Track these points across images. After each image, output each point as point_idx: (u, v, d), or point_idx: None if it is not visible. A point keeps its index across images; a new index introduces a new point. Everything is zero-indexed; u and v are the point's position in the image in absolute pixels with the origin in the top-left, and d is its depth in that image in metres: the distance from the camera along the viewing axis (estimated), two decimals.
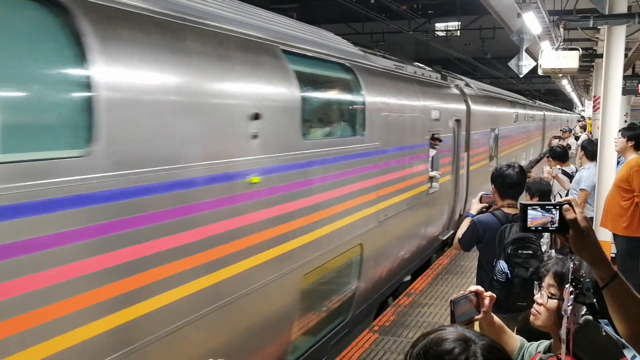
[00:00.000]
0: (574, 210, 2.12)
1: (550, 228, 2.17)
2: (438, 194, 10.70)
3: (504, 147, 18.73)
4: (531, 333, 2.99)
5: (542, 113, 33.24)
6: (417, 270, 10.60)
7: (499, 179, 5.13)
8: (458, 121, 12.25)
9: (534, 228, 2.20)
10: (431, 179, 10.33)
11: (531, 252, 4.67)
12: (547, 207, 2.17)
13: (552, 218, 2.16)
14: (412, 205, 9.28)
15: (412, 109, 9.18)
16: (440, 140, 10.45)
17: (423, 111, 9.63)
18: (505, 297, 4.56)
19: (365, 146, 7.13)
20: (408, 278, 10.02)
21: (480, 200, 5.40)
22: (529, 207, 2.21)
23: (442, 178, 10.93)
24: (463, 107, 12.82)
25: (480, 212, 5.35)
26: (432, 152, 10.25)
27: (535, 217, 2.19)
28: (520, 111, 22.82)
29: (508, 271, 4.63)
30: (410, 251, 9.67)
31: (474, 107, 13.77)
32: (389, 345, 7.05)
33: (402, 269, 9.54)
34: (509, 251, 4.68)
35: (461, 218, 11.36)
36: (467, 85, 15.18)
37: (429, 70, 12.52)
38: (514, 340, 2.92)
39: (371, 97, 7.47)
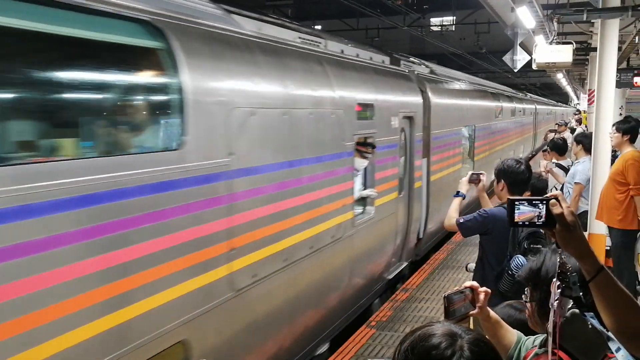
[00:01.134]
0: (560, 205, 2.14)
1: (537, 223, 2.19)
2: (375, 220, 8.21)
3: (483, 147, 16.51)
4: (516, 327, 3.00)
5: (533, 107, 30.62)
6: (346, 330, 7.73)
7: (511, 175, 5.09)
8: (409, 119, 9.77)
9: (521, 223, 2.22)
10: (363, 201, 8.09)
11: (540, 246, 4.68)
12: (534, 202, 2.19)
13: (539, 213, 2.17)
14: (324, 245, 6.56)
15: (316, 102, 6.38)
16: (373, 147, 7.95)
17: (341, 106, 6.88)
18: (517, 290, 4.56)
19: (185, 168, 4.25)
20: (324, 349, 7.10)
21: (470, 180, 5.42)
22: (516, 202, 2.23)
23: (383, 197, 8.54)
24: (418, 100, 10.25)
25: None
26: (362, 163, 7.83)
27: (522, 212, 2.20)
28: (506, 105, 20.70)
29: None
30: (319, 316, 6.76)
31: (437, 100, 11.32)
32: (385, 340, 7.08)
33: (304, 346, 6.57)
34: (524, 246, 4.69)
35: (421, 242, 10.90)
36: (432, 72, 12.78)
37: (373, 51, 9.68)
38: (511, 334, 2.92)
39: (205, 82, 4.58)
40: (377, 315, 7.90)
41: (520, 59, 15.14)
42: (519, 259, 4.65)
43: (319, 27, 13.58)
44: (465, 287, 2.81)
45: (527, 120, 27.83)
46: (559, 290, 2.31)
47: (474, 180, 5.39)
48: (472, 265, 5.36)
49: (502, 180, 5.10)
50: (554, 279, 2.35)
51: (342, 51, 7.99)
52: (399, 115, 9.10)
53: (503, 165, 5.15)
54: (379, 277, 8.85)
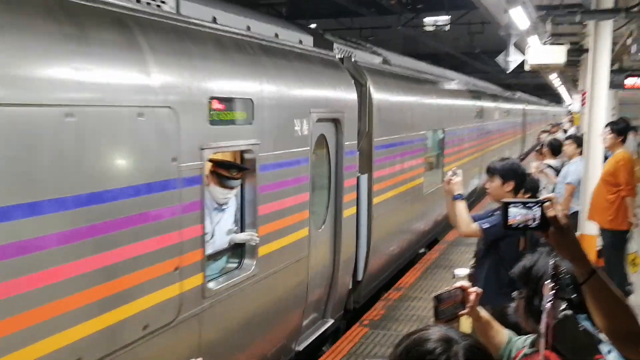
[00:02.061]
0: (554, 208, 2.16)
1: (531, 226, 2.17)
2: (259, 278, 5.56)
3: (457, 154, 13.94)
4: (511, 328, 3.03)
5: (521, 107, 28.50)
6: None
7: (521, 176, 5.11)
8: (335, 122, 7.22)
9: (515, 226, 2.20)
10: (233, 250, 5.59)
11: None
12: (528, 204, 2.18)
13: (533, 215, 2.16)
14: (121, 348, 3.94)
15: (95, 93, 3.76)
16: (240, 170, 5.47)
17: (166, 100, 4.30)
18: None
19: None
20: None
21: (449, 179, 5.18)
22: (510, 205, 2.22)
23: (276, 240, 5.92)
24: (351, 96, 7.65)
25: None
26: (227, 194, 5.44)
27: (516, 214, 2.19)
28: (488, 104, 18.23)
29: None
30: None
31: (383, 96, 8.75)
32: (378, 339, 7.11)
33: None
34: (540, 243, 4.72)
35: (361, 285, 8.46)
36: (385, 62, 10.53)
37: (285, 26, 7.31)
38: (502, 335, 2.94)
39: None
40: (370, 314, 7.93)
41: (513, 60, 15.17)
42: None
43: (313, 25, 13.54)
44: (456, 288, 2.81)
45: (514, 122, 25.85)
46: (552, 292, 2.33)
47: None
48: (461, 272, 5.28)
49: (513, 181, 5.04)
50: (547, 281, 2.37)
51: (215, 19, 5.59)
52: (311, 117, 6.47)
53: (512, 166, 5.12)
54: (274, 356, 6.20)
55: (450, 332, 1.85)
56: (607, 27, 9.04)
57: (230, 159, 5.78)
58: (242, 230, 5.61)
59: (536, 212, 2.15)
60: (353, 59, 8.37)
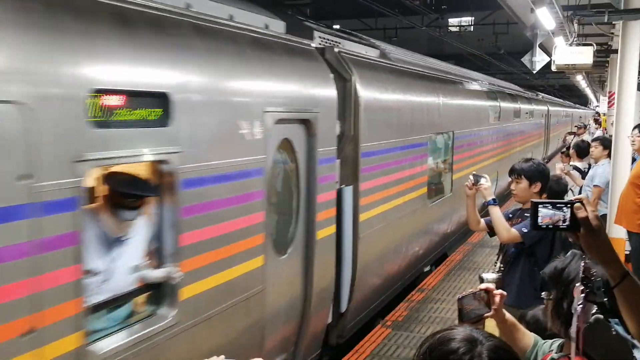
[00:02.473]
0: (585, 209, 2.11)
1: (561, 226, 2.14)
2: (179, 329, 4.08)
3: (469, 159, 12.34)
4: (539, 333, 2.99)
5: (544, 108, 25.50)
6: None
7: (548, 177, 5.12)
8: (305, 124, 5.87)
9: (544, 226, 2.17)
10: (157, 291, 4.14)
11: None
12: (558, 205, 2.14)
13: (563, 216, 2.13)
14: None
15: None
16: (138, 197, 4.16)
17: (16, 97, 2.97)
18: None
19: None
20: None
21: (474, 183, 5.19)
22: (540, 205, 2.18)
23: (221, 273, 4.58)
24: (327, 93, 6.31)
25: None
26: (124, 226, 4.18)
27: (546, 215, 2.16)
28: (506, 105, 16.41)
29: None
30: None
31: (375, 94, 7.40)
32: (401, 341, 7.07)
33: None
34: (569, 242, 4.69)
35: (346, 317, 7.02)
36: (383, 55, 9.17)
37: (248, 9, 5.90)
38: (528, 337, 2.90)
39: None
40: (392, 315, 7.89)
41: (539, 60, 15.08)
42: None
43: (337, 26, 13.50)
44: (480, 290, 2.79)
45: (537, 124, 23.18)
46: (583, 295, 2.29)
47: (477, 182, 5.19)
48: (489, 276, 5.24)
49: (539, 183, 5.03)
50: (578, 284, 2.32)
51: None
52: (266, 118, 5.02)
53: (537, 166, 5.10)
54: None
55: (475, 332, 1.83)
56: (636, 27, 8.90)
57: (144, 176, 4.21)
58: (161, 265, 4.13)
59: (566, 213, 2.12)
60: (337, 50, 6.79)
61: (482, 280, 5.34)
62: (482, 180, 5.12)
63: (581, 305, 2.28)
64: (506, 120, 16.28)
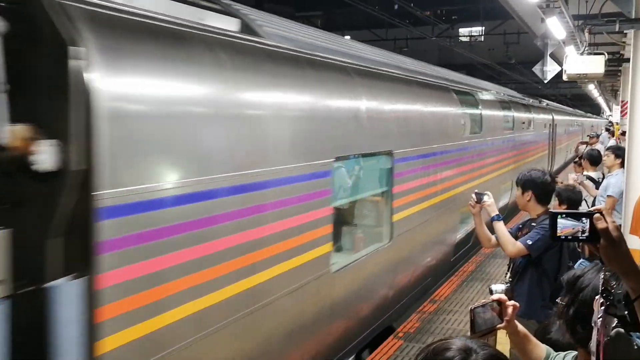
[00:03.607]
0: (605, 220, 2.07)
1: (580, 237, 2.10)
2: None
3: (424, 189, 8.46)
4: (551, 345, 2.96)
5: (548, 117, 22.21)
6: None
7: (540, 186, 5.06)
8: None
9: (563, 237, 2.14)
10: None
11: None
12: (577, 215, 2.11)
13: (582, 227, 2.09)
14: None
15: None
16: None
17: None
18: None
19: None
20: None
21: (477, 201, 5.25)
22: (558, 216, 2.16)
23: None
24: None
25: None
26: None
27: (565, 225, 2.12)
28: (495, 114, 13.32)
29: None
30: None
31: (140, 89, 3.61)
32: (413, 352, 7.02)
33: None
34: (579, 250, 4.70)
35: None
36: (249, 29, 5.34)
37: None
38: (540, 349, 2.87)
39: None
40: (404, 327, 7.85)
41: (550, 69, 15.04)
42: (584, 264, 4.61)
43: (347, 37, 13.52)
44: (493, 300, 2.77)
45: (538, 135, 19.58)
46: (603, 308, 2.24)
47: (480, 200, 5.24)
48: (498, 287, 5.25)
49: (530, 191, 5.06)
50: (597, 296, 2.28)
51: None
52: None
53: (530, 175, 5.11)
54: None
55: (470, 342, 1.84)
56: None
57: None
58: None
59: (585, 223, 2.08)
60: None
61: (491, 292, 5.33)
62: (485, 198, 5.17)
63: (601, 319, 2.23)
64: (492, 133, 12.83)
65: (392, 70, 8.15)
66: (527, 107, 18.38)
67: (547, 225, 4.85)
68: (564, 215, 2.14)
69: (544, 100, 24.91)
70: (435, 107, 9.31)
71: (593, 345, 2.25)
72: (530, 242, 4.89)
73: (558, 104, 31.90)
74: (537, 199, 5.05)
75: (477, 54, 23.78)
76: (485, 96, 13.17)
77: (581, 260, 4.69)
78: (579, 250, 4.99)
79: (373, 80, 7.19)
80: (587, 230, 2.08)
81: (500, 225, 5.07)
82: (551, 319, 3.21)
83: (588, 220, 2.08)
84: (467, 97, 11.46)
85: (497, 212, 5.14)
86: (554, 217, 2.16)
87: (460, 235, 10.91)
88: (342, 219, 7.08)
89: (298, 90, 5.43)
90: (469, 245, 11.71)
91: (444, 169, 9.27)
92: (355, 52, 7.89)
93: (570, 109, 38.94)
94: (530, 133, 18.05)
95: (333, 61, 6.39)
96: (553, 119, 23.28)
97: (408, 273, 8.34)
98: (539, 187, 5.06)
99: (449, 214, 9.81)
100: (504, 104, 14.86)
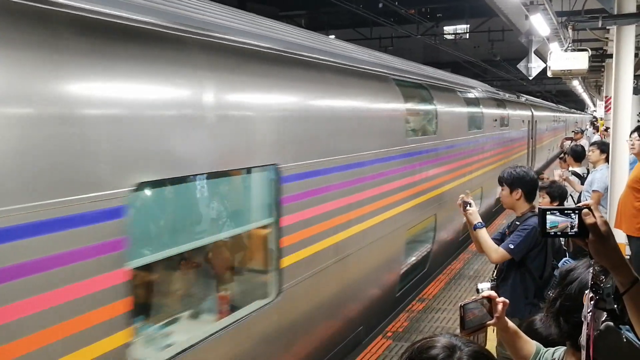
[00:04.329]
0: (593, 215, 2.08)
1: (569, 233, 2.12)
2: None
3: (353, 210, 6.53)
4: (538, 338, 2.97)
5: (527, 113, 20.45)
6: None
7: (528, 183, 5.06)
8: None
9: (552, 233, 2.15)
10: None
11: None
12: (565, 211, 2.12)
13: (571, 223, 2.11)
14: None
15: None
16: None
17: None
18: None
19: None
20: None
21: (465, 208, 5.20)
22: (547, 212, 2.17)
23: None
24: None
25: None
26: None
27: (554, 222, 2.14)
28: (455, 110, 11.28)
29: None
30: None
31: None
32: (402, 351, 7.01)
33: None
34: (564, 248, 4.70)
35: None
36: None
37: None
38: (530, 345, 2.88)
39: None
40: (393, 326, 7.84)
41: (535, 66, 15.09)
42: (569, 262, 4.62)
43: (332, 36, 13.47)
44: (483, 297, 2.77)
45: (514, 134, 17.74)
46: (592, 303, 2.25)
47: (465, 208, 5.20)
48: (484, 285, 5.26)
49: (519, 189, 5.04)
50: (587, 291, 2.28)
51: None
52: None
53: (518, 173, 5.10)
54: None
55: (455, 339, 1.85)
56: (630, 32, 8.91)
57: None
58: None
59: (574, 219, 2.09)
60: None
61: (478, 291, 5.35)
62: (468, 206, 5.13)
63: (591, 313, 2.24)
64: (451, 133, 10.69)
65: (285, 49, 5.55)
66: (501, 103, 16.22)
67: (528, 226, 4.90)
68: (553, 212, 2.15)
69: (523, 95, 22.89)
70: (363, 102, 7.03)
71: (583, 339, 2.25)
72: (512, 247, 4.92)
73: (538, 99, 30.25)
74: (526, 196, 5.05)
75: (462, 51, 23.84)
76: (442, 90, 10.77)
77: (565, 258, 4.70)
78: (564, 247, 5.00)
79: (228, 56, 4.58)
80: (576, 226, 2.09)
81: (482, 233, 5.06)
82: (534, 315, 3.22)
83: (577, 215, 2.09)
84: (414, 91, 9.44)
85: (480, 220, 5.12)
86: (543, 213, 2.17)
87: (409, 261, 9.03)
88: (172, 276, 4.78)
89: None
90: (425, 270, 9.82)
91: (378, 183, 7.18)
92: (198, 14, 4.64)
93: (553, 104, 37.48)
94: (504, 131, 16.03)
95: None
96: (533, 115, 21.51)
97: (309, 339, 5.91)
98: (528, 185, 5.05)
99: (389, 240, 7.81)
100: (470, 100, 12.73)
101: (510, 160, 16.53)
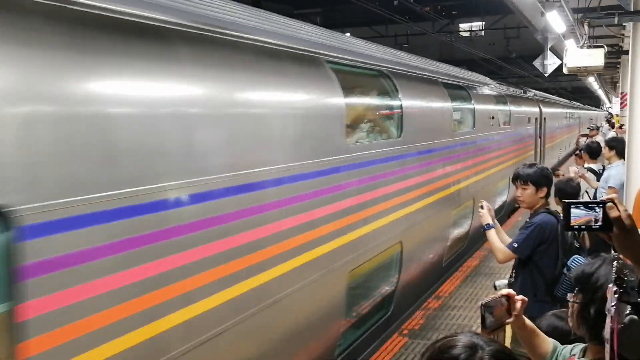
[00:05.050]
0: (617, 208, 2.08)
1: (593, 227, 2.13)
2: None
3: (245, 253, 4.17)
4: (559, 338, 2.98)
5: (534, 110, 17.93)
6: None
7: (552, 181, 5.11)
8: None
9: (577, 227, 2.17)
10: None
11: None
12: (590, 205, 2.14)
13: (595, 217, 2.13)
14: None
15: None
16: None
17: None
18: None
19: None
20: None
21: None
22: (572, 206, 2.19)
23: None
24: None
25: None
26: None
27: (578, 215, 2.15)
28: (432, 107, 8.81)
29: None
30: None
31: None
32: (418, 349, 7.04)
33: None
34: (576, 245, 4.72)
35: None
36: None
37: None
38: (547, 343, 2.88)
39: None
40: (409, 324, 7.87)
41: (550, 63, 15.03)
42: (579, 259, 4.62)
43: (347, 34, 13.40)
44: (502, 295, 2.76)
45: (519, 134, 15.24)
46: (616, 296, 2.24)
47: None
48: (502, 282, 5.29)
49: (545, 187, 5.03)
50: (610, 285, 2.29)
51: None
52: None
53: (542, 171, 5.09)
54: None
55: (476, 338, 1.84)
56: None
57: None
58: None
59: (598, 213, 2.11)
60: None
61: (495, 288, 5.41)
62: (480, 208, 5.21)
63: (614, 307, 2.24)
64: (427, 136, 8.29)
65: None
66: (500, 99, 13.61)
67: (532, 224, 4.93)
68: (577, 205, 2.17)
69: (531, 90, 20.46)
70: (255, 92, 4.59)
71: (607, 332, 2.25)
72: (515, 245, 4.95)
73: (549, 95, 27.49)
74: (547, 194, 5.07)
75: (477, 48, 23.76)
76: (411, 80, 8.25)
77: (575, 256, 4.70)
78: (577, 245, 5.00)
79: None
80: (601, 220, 2.11)
81: (491, 234, 5.11)
82: (544, 312, 3.23)
83: (601, 209, 2.11)
84: (361, 80, 7.31)
85: (489, 222, 5.14)
86: (567, 207, 2.19)
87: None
88: None
89: None
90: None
91: (297, 210, 4.96)
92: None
93: (566, 100, 35.46)
94: (505, 131, 13.39)
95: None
96: (541, 112, 18.88)
97: None
98: (550, 183, 5.09)
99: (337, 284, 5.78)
100: (458, 93, 10.36)
101: (512, 163, 13.54)
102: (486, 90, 12.77)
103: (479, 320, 2.71)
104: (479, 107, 11.28)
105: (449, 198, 9.41)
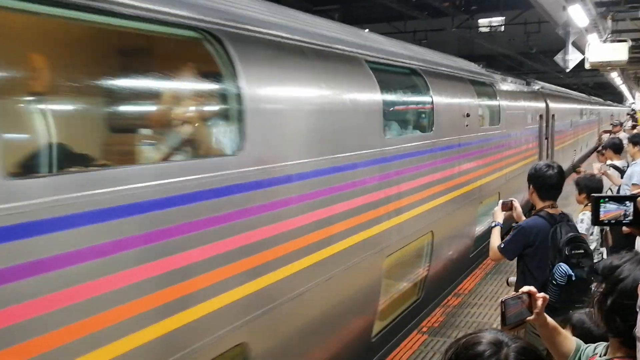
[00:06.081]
0: None
1: (624, 221, 2.09)
2: None
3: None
4: (584, 337, 2.92)
5: (540, 105, 15.24)
6: None
7: (539, 179, 4.95)
8: None
9: (606, 221, 2.12)
10: None
11: (582, 251, 4.61)
12: (620, 199, 2.09)
13: (625, 211, 2.07)
14: None
15: None
16: None
17: None
18: (565, 300, 4.45)
19: None
20: None
21: (502, 208, 5.30)
22: (601, 200, 2.13)
23: None
24: None
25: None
26: None
27: (608, 210, 2.10)
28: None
29: (572, 273, 4.51)
30: None
31: None
32: (438, 347, 6.98)
33: None
34: (565, 252, 4.58)
35: None
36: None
37: None
38: (569, 341, 2.84)
39: None
40: (428, 321, 7.81)
41: (572, 58, 14.83)
42: (562, 267, 4.54)
43: (366, 30, 13.27)
44: (523, 292, 2.74)
45: (520, 134, 12.72)
46: None
47: (507, 207, 5.30)
48: (514, 279, 5.26)
49: (531, 185, 5.00)
50: None
51: None
52: None
53: (532, 169, 5.04)
54: None
55: (501, 335, 1.82)
56: None
57: None
58: None
59: (629, 207, 2.06)
60: None
61: (509, 284, 5.44)
62: (496, 207, 5.31)
63: None
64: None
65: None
66: (492, 93, 11.09)
67: (519, 225, 4.91)
68: (606, 200, 2.11)
69: (537, 82, 17.06)
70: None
71: (638, 330, 2.21)
72: (502, 246, 4.96)
73: (560, 88, 23.69)
74: (538, 194, 4.97)
75: (497, 44, 23.55)
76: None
77: (559, 264, 4.58)
78: (584, 246, 4.83)
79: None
80: (631, 214, 2.06)
81: (493, 232, 5.19)
82: (584, 315, 3.18)
83: (632, 203, 2.05)
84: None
85: (497, 220, 5.22)
86: (596, 201, 2.13)
87: None
88: None
89: None
90: None
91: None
92: None
93: (583, 95, 31.94)
94: (499, 132, 10.99)
95: None
96: (548, 108, 16.13)
97: None
98: (538, 183, 4.95)
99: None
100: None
101: (506, 172, 11.50)
102: (474, 81, 10.11)
103: (499, 318, 2.69)
104: (443, 101, 8.24)
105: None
